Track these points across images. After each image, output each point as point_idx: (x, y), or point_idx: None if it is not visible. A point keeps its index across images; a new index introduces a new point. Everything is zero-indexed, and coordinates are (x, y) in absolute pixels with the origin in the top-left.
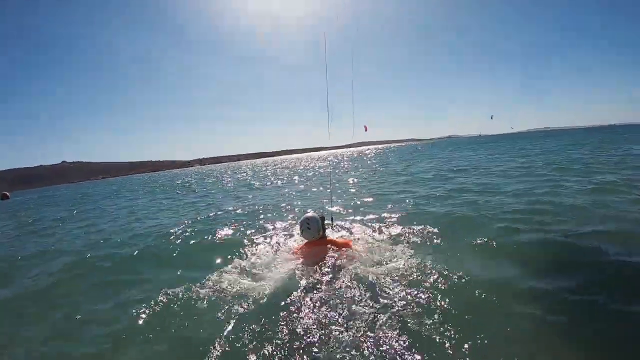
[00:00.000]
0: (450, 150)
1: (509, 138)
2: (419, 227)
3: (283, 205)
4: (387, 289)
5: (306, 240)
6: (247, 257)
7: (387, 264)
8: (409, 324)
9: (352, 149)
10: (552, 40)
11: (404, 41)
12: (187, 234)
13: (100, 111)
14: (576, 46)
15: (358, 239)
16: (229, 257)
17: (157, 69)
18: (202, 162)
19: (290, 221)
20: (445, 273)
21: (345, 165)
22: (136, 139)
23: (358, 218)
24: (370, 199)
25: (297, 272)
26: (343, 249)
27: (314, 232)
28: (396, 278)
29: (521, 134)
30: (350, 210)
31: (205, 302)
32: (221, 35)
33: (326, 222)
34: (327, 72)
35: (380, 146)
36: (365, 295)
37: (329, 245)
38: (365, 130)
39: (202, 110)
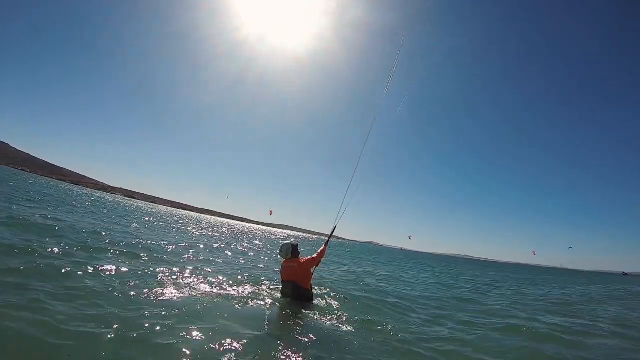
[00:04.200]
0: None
1: (430, 257)
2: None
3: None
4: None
5: (283, 259)
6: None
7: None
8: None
9: (275, 229)
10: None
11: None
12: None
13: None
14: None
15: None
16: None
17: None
18: (127, 193)
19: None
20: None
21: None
22: (71, 140)
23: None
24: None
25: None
26: (302, 265)
27: (283, 254)
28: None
29: (440, 255)
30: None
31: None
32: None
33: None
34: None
35: (299, 234)
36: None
37: (293, 264)
38: (270, 214)
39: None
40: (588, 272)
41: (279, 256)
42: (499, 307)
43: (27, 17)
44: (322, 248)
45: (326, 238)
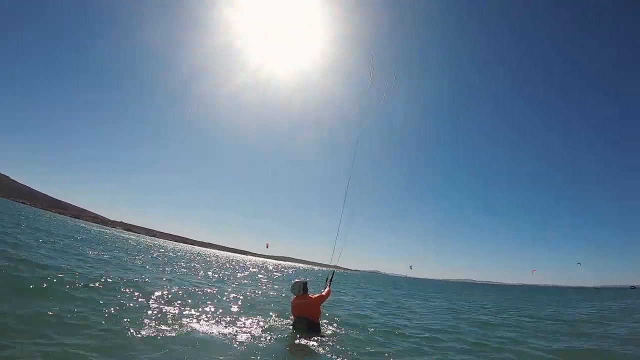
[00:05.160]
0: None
1: (432, 284)
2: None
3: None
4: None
5: (294, 296)
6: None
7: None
8: None
9: (279, 261)
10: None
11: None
12: None
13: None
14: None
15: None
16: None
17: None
18: (126, 227)
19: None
20: None
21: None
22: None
23: None
24: None
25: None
26: (313, 302)
27: (295, 291)
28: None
29: (444, 281)
30: None
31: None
32: None
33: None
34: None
35: (302, 265)
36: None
37: (306, 300)
38: (267, 247)
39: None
40: (596, 287)
41: (291, 293)
42: None
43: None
44: (327, 289)
45: (329, 273)
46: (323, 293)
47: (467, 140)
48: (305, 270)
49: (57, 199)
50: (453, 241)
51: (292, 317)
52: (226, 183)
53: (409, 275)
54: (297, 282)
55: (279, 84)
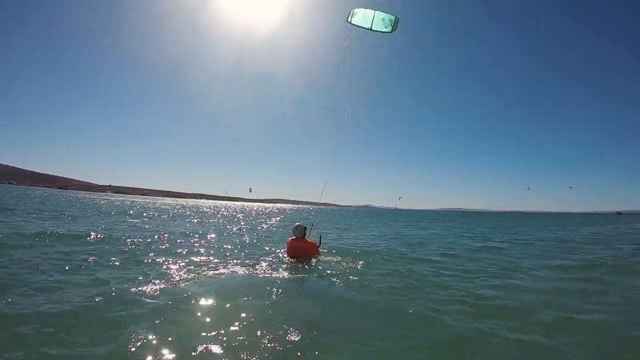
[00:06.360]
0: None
1: (420, 214)
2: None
3: None
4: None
5: (294, 236)
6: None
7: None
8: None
9: (268, 204)
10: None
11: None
12: None
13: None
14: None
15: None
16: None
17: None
18: (117, 190)
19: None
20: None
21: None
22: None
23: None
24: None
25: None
26: (310, 246)
27: (297, 232)
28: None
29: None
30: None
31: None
32: None
33: (307, 231)
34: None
35: (295, 206)
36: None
37: (302, 243)
38: (250, 191)
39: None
40: (585, 213)
41: (293, 234)
42: None
43: None
44: (319, 248)
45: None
46: (318, 245)
47: (460, 61)
48: (294, 209)
49: (42, 173)
50: (440, 173)
51: (284, 255)
52: (209, 132)
53: (398, 207)
54: (300, 225)
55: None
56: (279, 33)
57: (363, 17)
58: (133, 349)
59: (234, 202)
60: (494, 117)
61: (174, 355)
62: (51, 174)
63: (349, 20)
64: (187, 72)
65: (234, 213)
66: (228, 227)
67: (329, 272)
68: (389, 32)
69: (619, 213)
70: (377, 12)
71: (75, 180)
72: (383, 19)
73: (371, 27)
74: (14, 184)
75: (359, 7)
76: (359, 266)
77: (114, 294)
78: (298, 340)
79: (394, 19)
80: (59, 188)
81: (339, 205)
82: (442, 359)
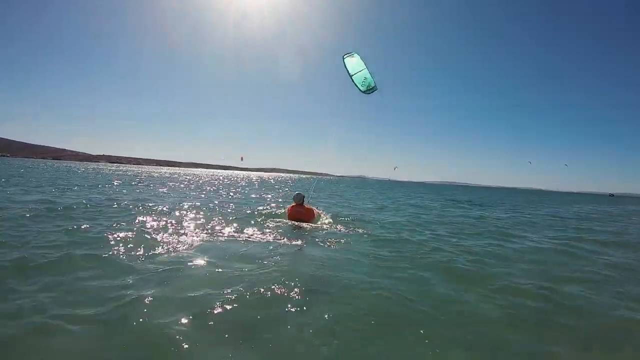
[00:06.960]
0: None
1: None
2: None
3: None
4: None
5: (294, 203)
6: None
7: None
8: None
9: (265, 173)
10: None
11: None
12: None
13: None
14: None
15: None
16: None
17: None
18: (110, 159)
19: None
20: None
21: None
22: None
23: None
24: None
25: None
26: (308, 211)
27: (297, 199)
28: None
29: (424, 183)
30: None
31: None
32: None
33: (305, 199)
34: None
35: (293, 175)
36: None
37: (302, 209)
38: (242, 160)
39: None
40: (578, 193)
41: (293, 200)
42: None
43: None
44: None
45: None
46: (314, 211)
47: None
48: (288, 178)
49: (35, 144)
50: (436, 144)
51: (286, 220)
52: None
53: (392, 178)
54: (299, 193)
55: None
56: None
57: (356, 64)
58: (136, 313)
59: (233, 172)
60: (494, 94)
61: (176, 316)
62: (44, 144)
63: (345, 57)
64: (183, 30)
65: (234, 181)
66: (229, 194)
67: (324, 235)
68: (361, 91)
69: (611, 195)
70: (365, 70)
71: (69, 150)
72: (365, 79)
73: (351, 76)
74: (7, 156)
75: (360, 57)
76: (355, 229)
77: (117, 260)
78: (299, 295)
79: (373, 85)
80: (53, 159)
81: (332, 175)
82: (430, 304)
